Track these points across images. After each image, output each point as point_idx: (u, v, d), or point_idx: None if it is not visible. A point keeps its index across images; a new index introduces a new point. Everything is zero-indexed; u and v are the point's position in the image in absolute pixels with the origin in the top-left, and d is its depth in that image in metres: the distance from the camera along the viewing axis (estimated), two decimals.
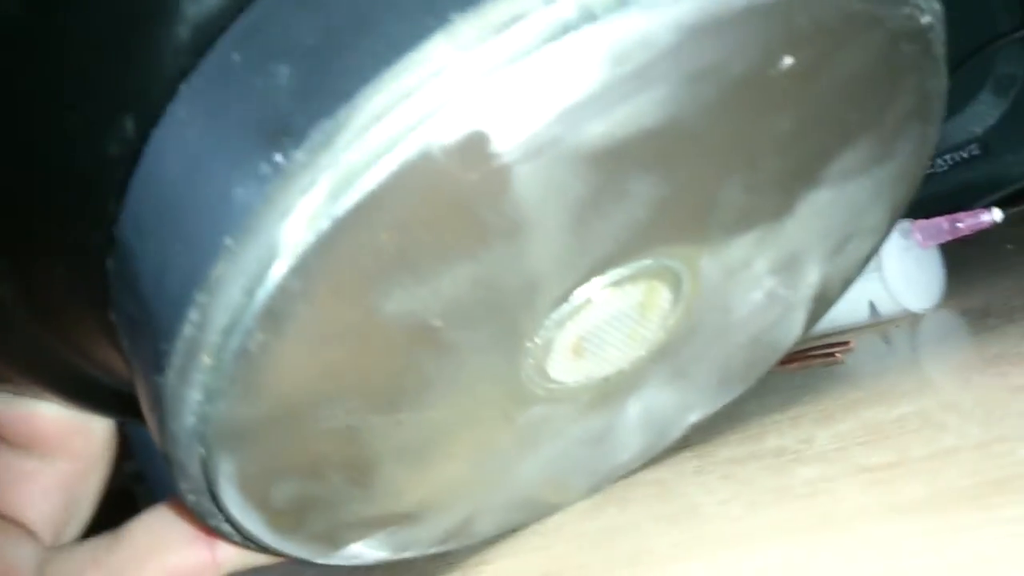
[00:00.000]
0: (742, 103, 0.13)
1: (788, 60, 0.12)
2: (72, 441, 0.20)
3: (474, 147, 0.11)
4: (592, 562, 0.17)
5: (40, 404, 0.19)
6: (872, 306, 0.28)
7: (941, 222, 0.27)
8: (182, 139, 0.12)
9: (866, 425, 0.18)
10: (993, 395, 0.17)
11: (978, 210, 0.27)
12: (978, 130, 0.50)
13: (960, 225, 0.27)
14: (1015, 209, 0.48)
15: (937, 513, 0.13)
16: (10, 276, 0.14)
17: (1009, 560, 0.11)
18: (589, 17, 0.11)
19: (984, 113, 0.50)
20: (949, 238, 0.27)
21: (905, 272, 0.27)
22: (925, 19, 0.14)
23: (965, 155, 0.51)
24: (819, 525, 0.14)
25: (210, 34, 0.12)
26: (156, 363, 0.13)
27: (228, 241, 0.11)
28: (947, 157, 0.51)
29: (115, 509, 0.21)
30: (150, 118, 0.13)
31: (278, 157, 0.11)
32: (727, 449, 0.20)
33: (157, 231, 0.12)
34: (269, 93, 0.11)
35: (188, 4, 0.12)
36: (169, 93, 0.12)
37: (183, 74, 0.12)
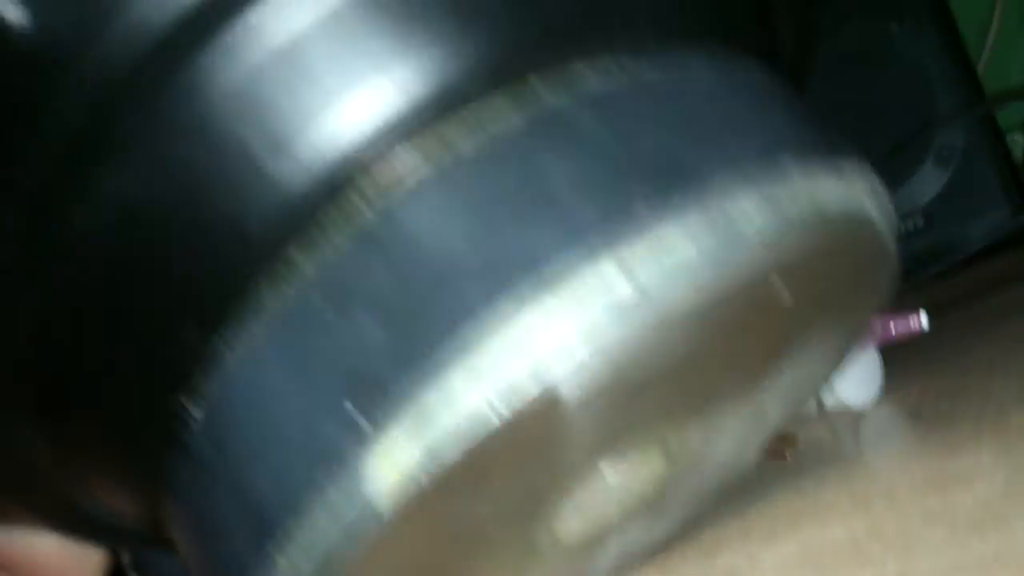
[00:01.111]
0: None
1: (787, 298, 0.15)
2: (69, 571, 0.20)
3: (549, 399, 0.12)
4: None
5: (38, 535, 0.19)
6: (819, 402, 0.31)
7: (873, 323, 0.30)
8: (264, 366, 0.12)
9: (805, 547, 0.20)
10: (911, 524, 0.19)
11: (907, 314, 0.30)
12: (921, 202, 0.52)
13: (891, 331, 0.30)
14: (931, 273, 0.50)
15: None
16: (51, 436, 0.15)
17: None
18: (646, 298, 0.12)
19: (926, 185, 0.52)
20: (880, 340, 0.30)
21: (845, 369, 0.30)
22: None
23: (910, 227, 0.51)
24: None
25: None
26: None
27: (319, 494, 0.11)
28: None
29: None
30: (215, 323, 0.13)
31: (370, 413, 0.11)
32: (685, 565, 0.22)
33: (239, 453, 0.12)
34: (356, 342, 0.11)
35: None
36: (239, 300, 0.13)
37: (248, 278, 0.13)
